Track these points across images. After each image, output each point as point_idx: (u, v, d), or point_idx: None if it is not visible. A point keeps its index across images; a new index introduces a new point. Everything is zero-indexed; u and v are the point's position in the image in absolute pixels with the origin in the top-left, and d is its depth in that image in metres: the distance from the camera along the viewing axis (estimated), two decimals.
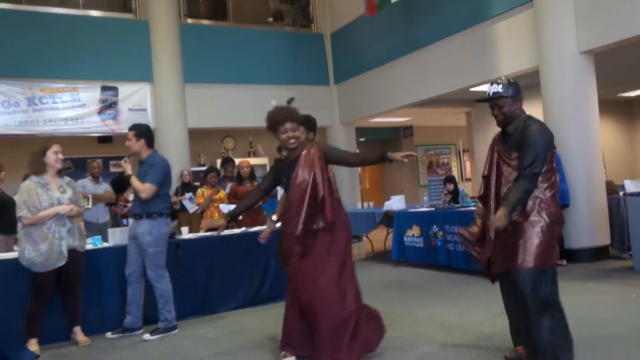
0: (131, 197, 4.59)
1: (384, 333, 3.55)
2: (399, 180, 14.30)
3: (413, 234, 7.13)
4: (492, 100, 3.05)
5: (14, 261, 4.18)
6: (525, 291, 2.84)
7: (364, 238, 9.57)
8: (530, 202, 2.93)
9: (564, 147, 6.42)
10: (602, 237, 6.53)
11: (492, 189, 3.11)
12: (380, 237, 9.15)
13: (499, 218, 2.80)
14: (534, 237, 2.89)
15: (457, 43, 8.16)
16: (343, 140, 11.35)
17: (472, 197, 8.54)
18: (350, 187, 11.30)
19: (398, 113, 10.64)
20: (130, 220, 4.73)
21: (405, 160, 3.24)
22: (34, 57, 8.50)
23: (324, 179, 3.37)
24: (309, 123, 3.80)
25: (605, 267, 6.17)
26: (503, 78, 3.10)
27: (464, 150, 13.19)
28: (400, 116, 11.77)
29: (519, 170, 2.93)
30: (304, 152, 3.43)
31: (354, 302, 3.34)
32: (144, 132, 4.61)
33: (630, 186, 6.21)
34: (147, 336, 4.43)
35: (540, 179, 2.94)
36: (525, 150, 2.91)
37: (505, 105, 3.02)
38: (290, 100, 10.65)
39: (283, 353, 3.47)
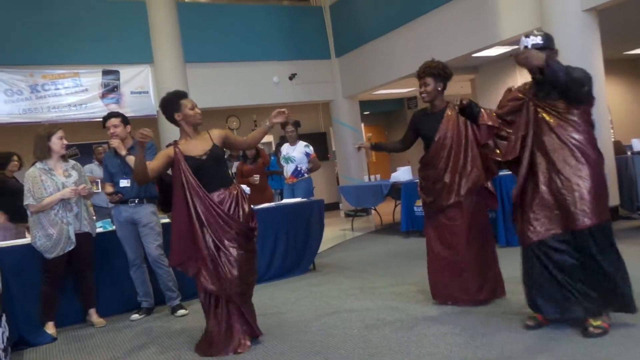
0: (122, 183, 4.50)
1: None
2: (406, 153, 14.23)
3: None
4: None
5: (27, 247, 4.24)
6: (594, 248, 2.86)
7: (372, 211, 9.59)
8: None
9: None
10: (611, 197, 6.48)
11: (527, 152, 3.03)
12: (388, 210, 9.16)
13: (536, 55, 2.70)
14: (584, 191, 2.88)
15: (458, 8, 8.03)
16: (347, 114, 11.30)
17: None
18: (357, 161, 11.29)
19: (401, 84, 10.53)
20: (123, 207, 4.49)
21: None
22: (33, 44, 8.46)
23: None
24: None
25: (616, 227, 6.06)
26: (537, 31, 3.04)
27: None
28: (404, 87, 11.64)
29: None
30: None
31: None
32: (127, 118, 4.57)
33: (638, 145, 6.14)
34: (180, 312, 4.49)
35: (578, 120, 2.93)
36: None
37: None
38: (292, 76, 10.60)
39: None
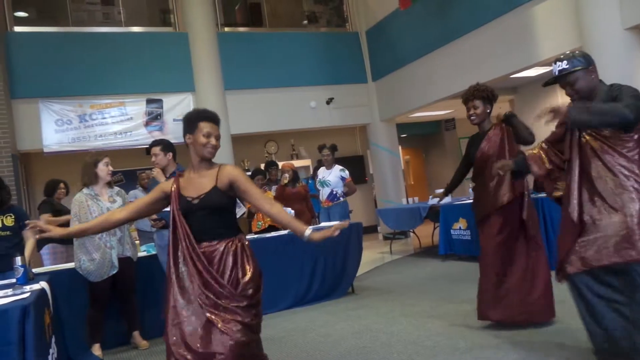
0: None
1: None
2: (444, 175, 14.12)
3: (460, 227, 7.05)
4: (561, 79, 2.82)
5: (76, 270, 4.38)
6: None
7: (411, 233, 9.51)
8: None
9: None
10: None
11: (576, 173, 2.81)
12: (427, 232, 9.08)
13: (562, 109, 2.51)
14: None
15: (495, 30, 8.01)
16: (384, 137, 11.33)
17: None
18: (395, 183, 11.26)
19: (438, 106, 10.51)
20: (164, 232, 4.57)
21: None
22: (83, 76, 8.89)
23: None
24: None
25: None
26: (567, 53, 2.87)
27: None
28: (441, 109, 11.62)
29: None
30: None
31: None
32: (169, 146, 4.62)
33: None
34: None
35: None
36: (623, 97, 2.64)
37: (577, 80, 2.77)
38: (329, 100, 10.74)
39: None
